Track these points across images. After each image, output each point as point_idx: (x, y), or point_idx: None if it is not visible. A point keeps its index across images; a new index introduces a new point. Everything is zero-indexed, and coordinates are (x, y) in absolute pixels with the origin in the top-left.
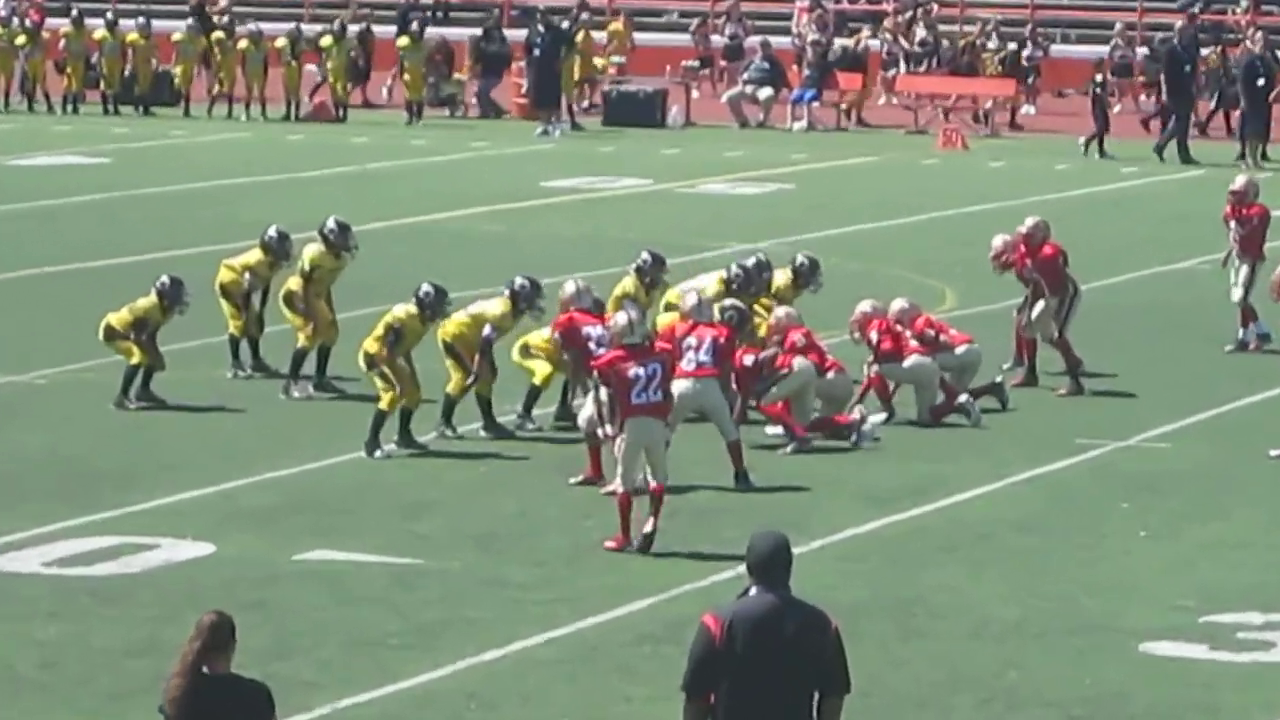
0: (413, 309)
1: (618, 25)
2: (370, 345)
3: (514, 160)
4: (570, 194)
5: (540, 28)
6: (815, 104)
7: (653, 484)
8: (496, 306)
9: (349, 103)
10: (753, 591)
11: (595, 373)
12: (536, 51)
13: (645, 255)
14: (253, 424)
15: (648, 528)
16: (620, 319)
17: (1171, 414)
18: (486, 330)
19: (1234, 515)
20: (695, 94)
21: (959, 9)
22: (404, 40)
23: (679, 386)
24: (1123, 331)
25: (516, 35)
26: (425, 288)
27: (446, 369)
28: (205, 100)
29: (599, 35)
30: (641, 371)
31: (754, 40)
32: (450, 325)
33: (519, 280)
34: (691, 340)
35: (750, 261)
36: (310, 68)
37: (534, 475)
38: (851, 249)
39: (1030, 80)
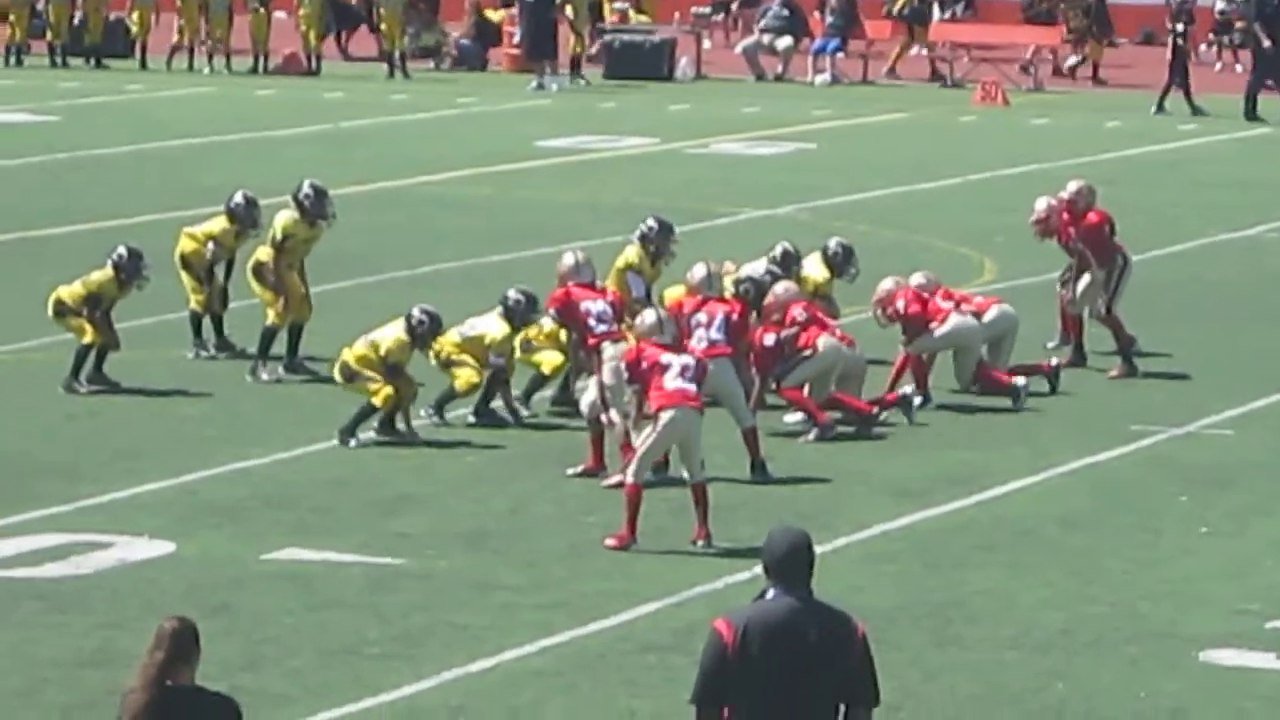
0: (403, 336)
1: None
2: (350, 359)
3: (504, 117)
4: (567, 154)
5: None
6: (839, 55)
7: (693, 482)
8: (494, 328)
9: (322, 54)
10: (770, 594)
11: (596, 350)
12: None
13: (650, 222)
14: (216, 410)
15: (700, 539)
16: (649, 317)
17: (1235, 398)
18: (493, 358)
19: None
20: (707, 44)
21: None
22: None
23: None
24: (1180, 307)
25: None
26: (418, 315)
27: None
28: (164, 51)
29: None
30: (675, 359)
31: None
32: (446, 345)
33: (512, 295)
34: (701, 317)
35: (778, 251)
36: (280, 14)
37: (528, 468)
38: (879, 215)
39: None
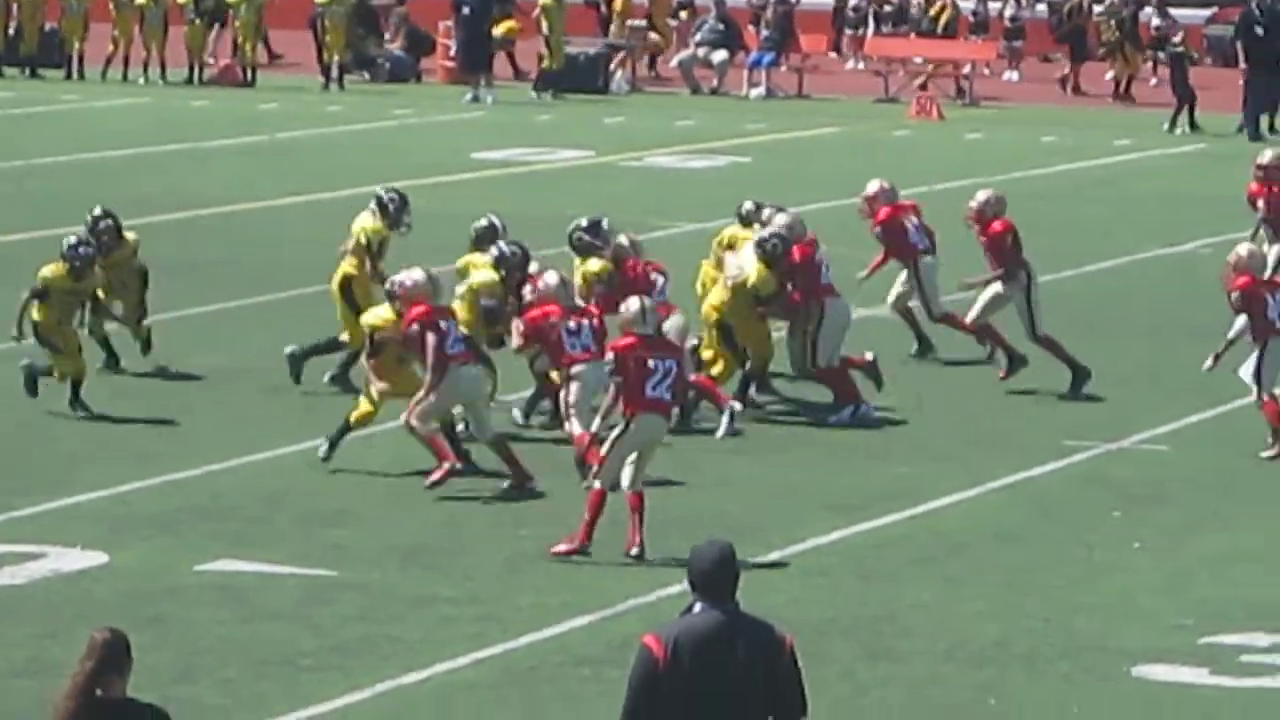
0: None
1: None
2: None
3: (441, 129)
4: (503, 167)
5: None
6: (774, 69)
7: (631, 490)
8: (482, 275)
9: (256, 65)
10: (697, 608)
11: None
12: (466, 10)
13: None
14: (151, 421)
15: (633, 549)
16: (633, 305)
17: (1168, 414)
18: (484, 300)
19: (1237, 526)
20: (645, 60)
21: None
22: None
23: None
24: (1113, 323)
25: None
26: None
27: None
28: (99, 62)
29: None
30: (659, 364)
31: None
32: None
33: (482, 222)
34: (571, 324)
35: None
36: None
37: (463, 481)
38: (814, 228)
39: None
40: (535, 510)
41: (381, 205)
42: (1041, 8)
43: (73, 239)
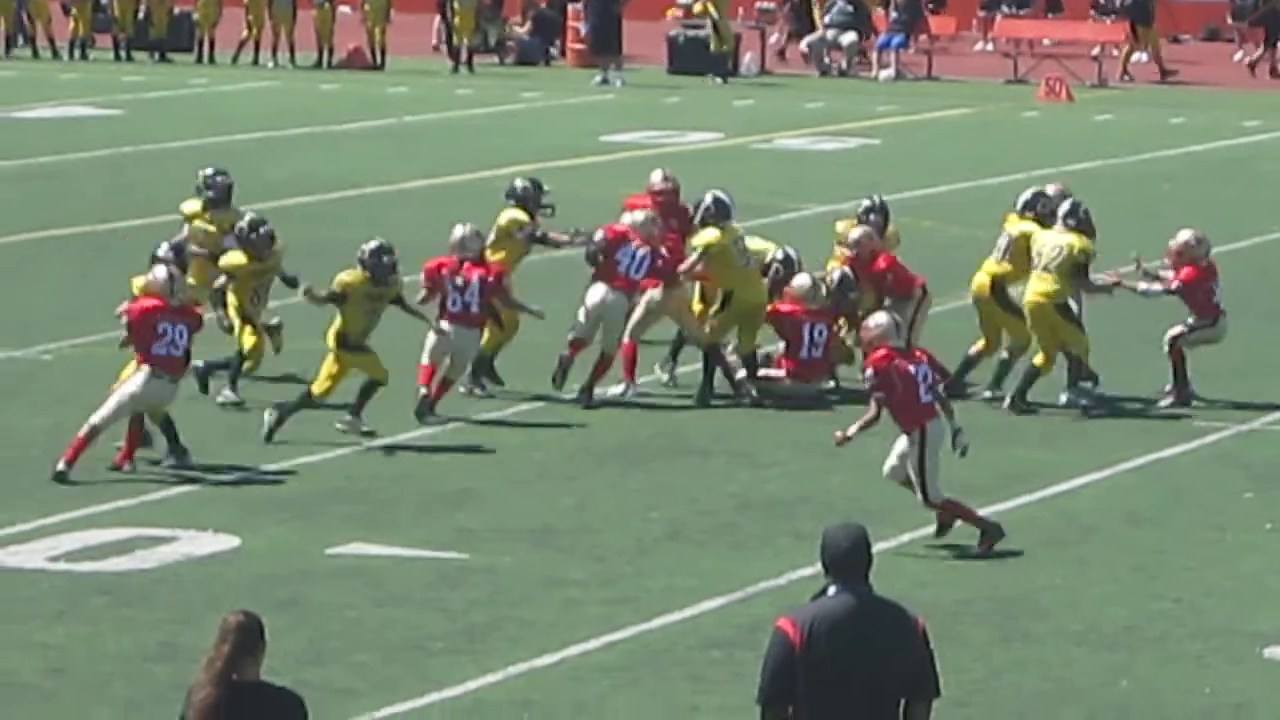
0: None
1: None
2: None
3: (569, 112)
4: (632, 149)
5: None
6: (904, 50)
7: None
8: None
9: (386, 48)
10: (831, 591)
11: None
12: None
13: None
14: (279, 402)
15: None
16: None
17: None
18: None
19: None
20: (772, 39)
21: None
22: None
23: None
24: (1241, 303)
25: None
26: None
27: None
28: (227, 46)
29: None
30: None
31: None
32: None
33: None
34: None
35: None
36: (345, 9)
37: (592, 464)
38: (943, 211)
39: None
40: (665, 491)
41: (518, 195)
42: None
43: (245, 224)
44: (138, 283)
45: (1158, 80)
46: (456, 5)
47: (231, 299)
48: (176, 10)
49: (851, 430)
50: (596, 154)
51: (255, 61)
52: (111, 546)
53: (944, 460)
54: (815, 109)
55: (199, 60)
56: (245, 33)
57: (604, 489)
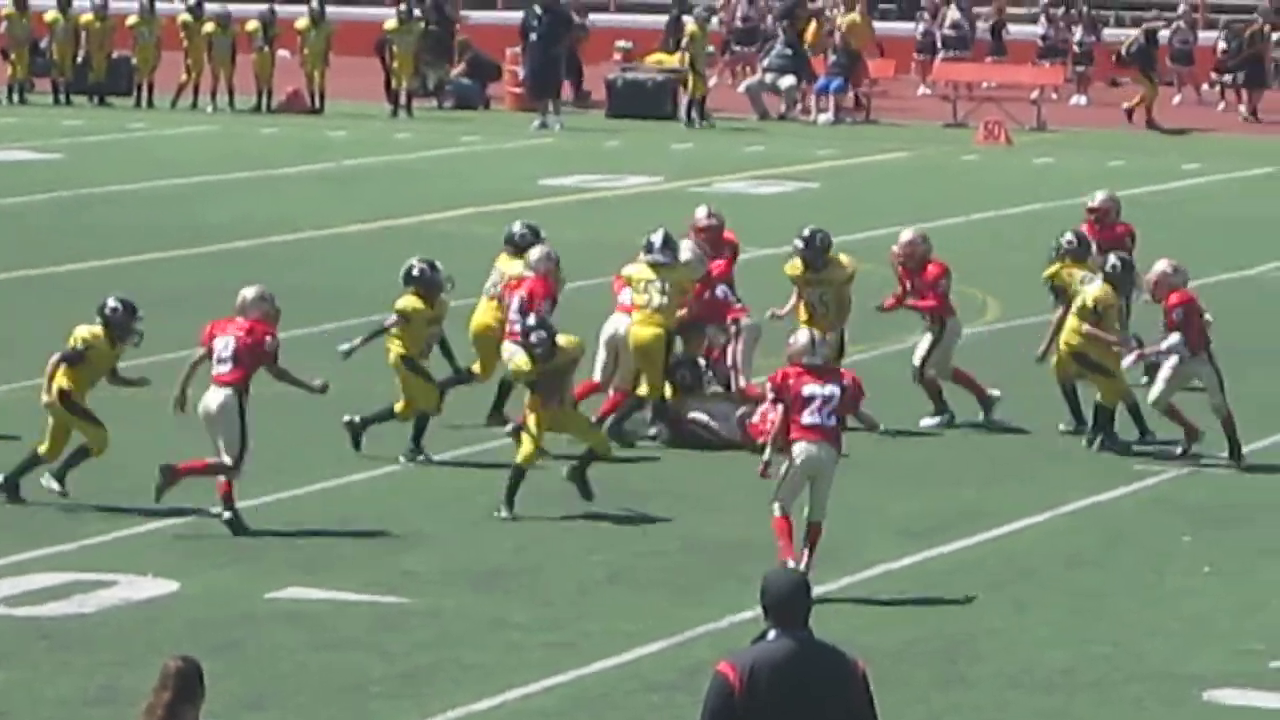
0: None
1: None
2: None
3: (508, 156)
4: (570, 193)
5: (538, 9)
6: (842, 94)
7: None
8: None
9: (325, 91)
10: (771, 635)
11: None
12: (534, 36)
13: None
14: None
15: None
16: (802, 337)
17: (1243, 437)
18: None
19: None
20: (711, 82)
21: None
22: (391, 23)
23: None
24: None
25: (512, 17)
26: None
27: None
28: (168, 90)
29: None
30: (818, 389)
31: (775, 24)
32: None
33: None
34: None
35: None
36: (284, 53)
37: (535, 505)
38: (882, 254)
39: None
40: (607, 534)
41: (512, 240)
42: (1110, 33)
43: (415, 268)
44: (79, 332)
45: (1152, 127)
46: (396, 49)
47: (396, 345)
48: (115, 54)
49: (766, 455)
50: (535, 198)
51: (194, 105)
52: (50, 591)
53: (889, 498)
54: (754, 152)
55: (138, 104)
56: (184, 76)
57: (547, 531)
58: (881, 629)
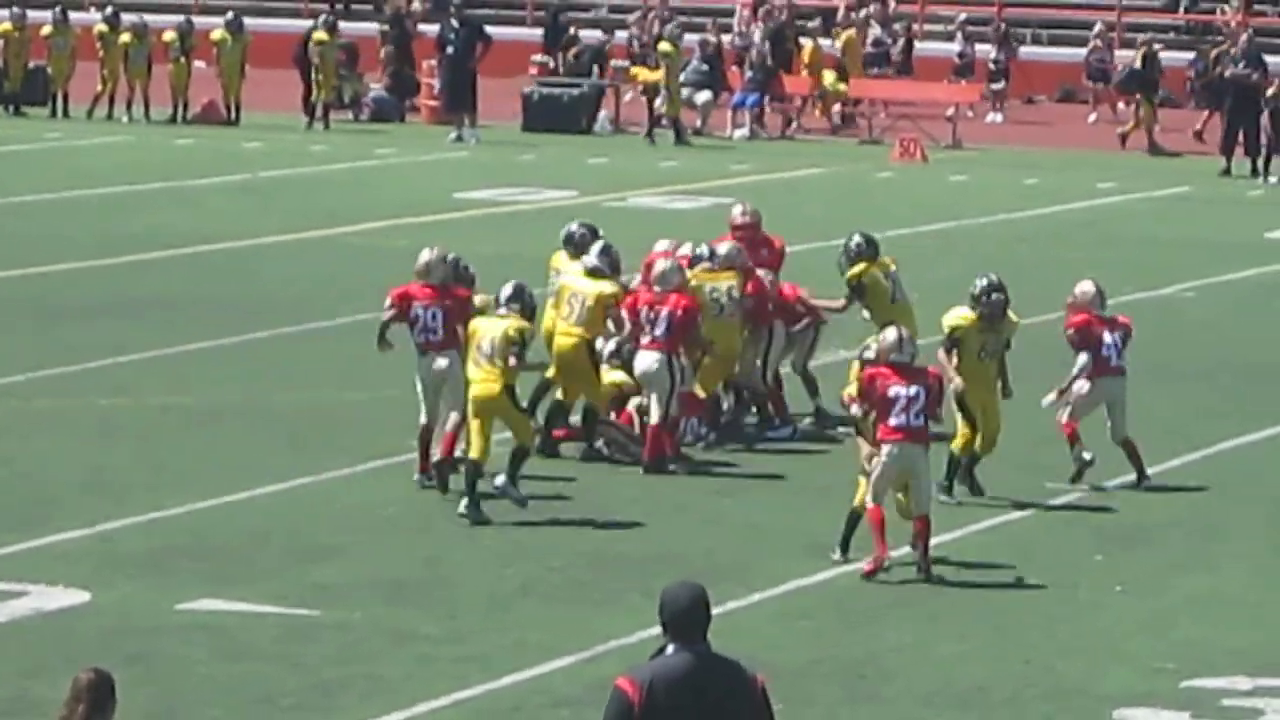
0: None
1: None
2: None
3: (424, 169)
4: (486, 207)
5: (455, 23)
6: (759, 110)
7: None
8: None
9: (241, 103)
10: (670, 650)
11: None
12: (450, 50)
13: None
14: (136, 458)
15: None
16: (890, 335)
17: (1150, 457)
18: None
19: (1221, 568)
20: (626, 97)
21: (919, 5)
22: (321, 34)
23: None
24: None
25: (429, 31)
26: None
27: None
28: (84, 101)
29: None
30: (903, 390)
31: (691, 39)
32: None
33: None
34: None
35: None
36: (200, 64)
37: (445, 519)
38: (796, 271)
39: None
40: (518, 547)
41: (571, 240)
42: (1027, 50)
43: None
44: None
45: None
46: (317, 60)
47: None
48: (31, 64)
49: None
50: (450, 211)
51: (110, 116)
52: None
53: (800, 514)
54: (669, 167)
55: (53, 114)
56: (100, 87)
57: (458, 544)
58: (791, 645)
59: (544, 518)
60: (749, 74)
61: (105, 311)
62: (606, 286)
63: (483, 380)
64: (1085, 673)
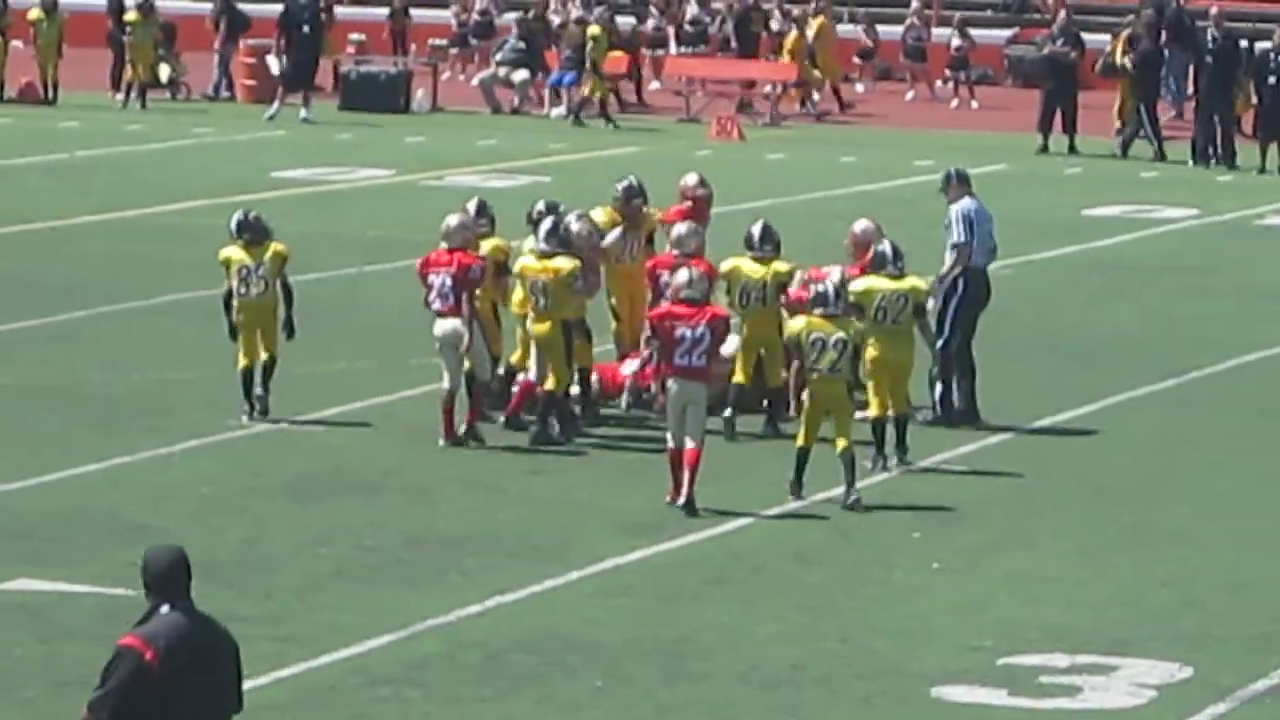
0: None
1: None
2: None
3: (241, 149)
4: (303, 185)
5: (302, 1)
6: (575, 88)
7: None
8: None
9: (58, 83)
10: (164, 610)
11: None
12: (306, 29)
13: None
14: None
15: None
16: (681, 275)
17: (966, 436)
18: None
19: (1038, 546)
20: (444, 76)
21: None
22: (132, 14)
23: None
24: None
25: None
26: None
27: None
28: None
29: (340, 10)
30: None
31: (509, 17)
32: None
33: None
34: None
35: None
36: (17, 43)
37: (263, 499)
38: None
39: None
40: (335, 528)
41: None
42: (843, 29)
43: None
44: None
45: (1156, 158)
46: (130, 40)
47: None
48: None
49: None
50: (267, 189)
51: None
52: None
53: (616, 493)
54: (486, 146)
55: None
56: None
57: (274, 524)
58: (609, 624)
59: (360, 497)
60: (566, 53)
61: None
62: (563, 263)
63: (538, 319)
64: (902, 651)
